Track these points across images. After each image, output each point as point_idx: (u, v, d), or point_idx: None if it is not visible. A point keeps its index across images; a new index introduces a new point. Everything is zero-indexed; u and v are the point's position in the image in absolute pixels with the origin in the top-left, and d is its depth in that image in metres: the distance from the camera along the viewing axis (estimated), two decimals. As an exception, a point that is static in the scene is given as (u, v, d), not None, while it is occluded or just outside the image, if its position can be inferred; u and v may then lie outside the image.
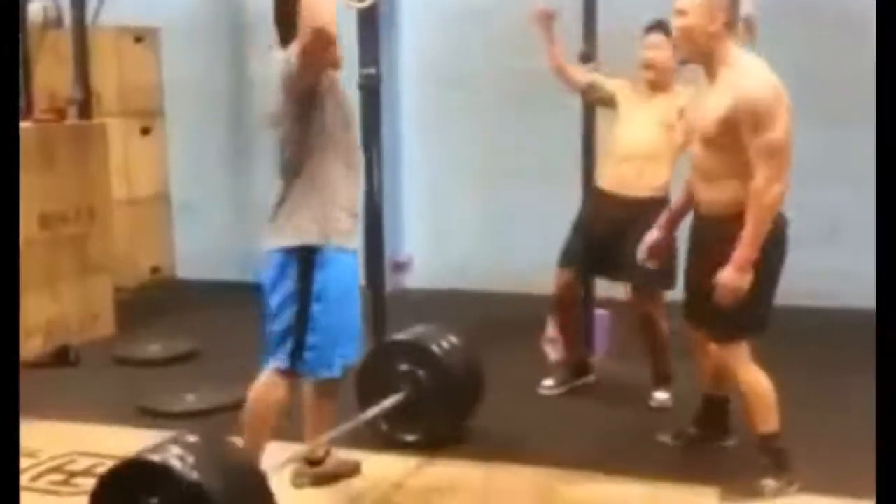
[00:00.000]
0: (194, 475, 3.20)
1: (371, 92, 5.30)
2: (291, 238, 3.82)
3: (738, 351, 4.03)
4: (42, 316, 6.25)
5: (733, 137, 3.82)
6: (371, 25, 5.31)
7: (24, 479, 4.30)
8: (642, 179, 4.90)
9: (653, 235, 4.34)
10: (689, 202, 4.20)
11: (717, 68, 3.91)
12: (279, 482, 3.81)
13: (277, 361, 3.87)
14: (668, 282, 4.84)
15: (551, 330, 5.68)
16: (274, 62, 3.80)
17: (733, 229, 3.85)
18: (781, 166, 3.81)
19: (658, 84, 4.96)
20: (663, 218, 4.37)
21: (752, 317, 3.98)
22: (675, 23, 3.97)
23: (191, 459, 3.27)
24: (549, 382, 5.29)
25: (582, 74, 5.27)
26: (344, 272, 3.84)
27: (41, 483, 4.30)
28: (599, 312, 5.84)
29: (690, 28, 3.90)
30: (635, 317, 5.06)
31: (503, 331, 6.29)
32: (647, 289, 4.93)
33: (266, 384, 3.92)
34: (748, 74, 3.85)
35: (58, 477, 4.35)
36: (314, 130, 3.76)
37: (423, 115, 7.66)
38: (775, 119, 3.78)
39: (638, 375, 5.23)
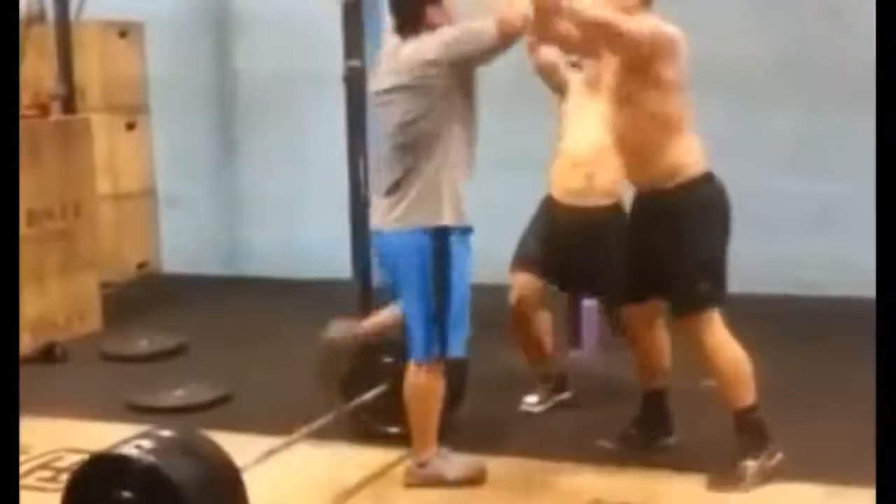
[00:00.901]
0: (165, 468, 3.22)
1: (356, 83, 5.30)
2: (425, 218, 3.93)
3: (709, 323, 4.01)
4: (29, 312, 6.22)
5: (643, 98, 3.89)
6: (355, 18, 5.32)
7: (12, 476, 4.30)
8: (592, 186, 4.69)
9: None
10: None
11: None
12: (259, 477, 3.81)
13: (427, 350, 3.99)
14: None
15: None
16: (406, 46, 3.98)
17: (676, 201, 3.96)
18: (657, 34, 3.85)
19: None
20: None
21: (717, 285, 4.02)
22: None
23: (162, 453, 3.30)
24: (532, 399, 5.01)
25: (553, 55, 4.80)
26: (468, 251, 4.00)
27: (29, 480, 4.29)
28: (587, 303, 5.83)
29: (604, 6, 3.91)
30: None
31: (492, 322, 6.27)
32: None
33: (420, 376, 4.04)
34: None
35: (46, 473, 4.34)
36: (455, 110, 3.93)
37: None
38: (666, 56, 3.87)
39: (626, 367, 5.23)
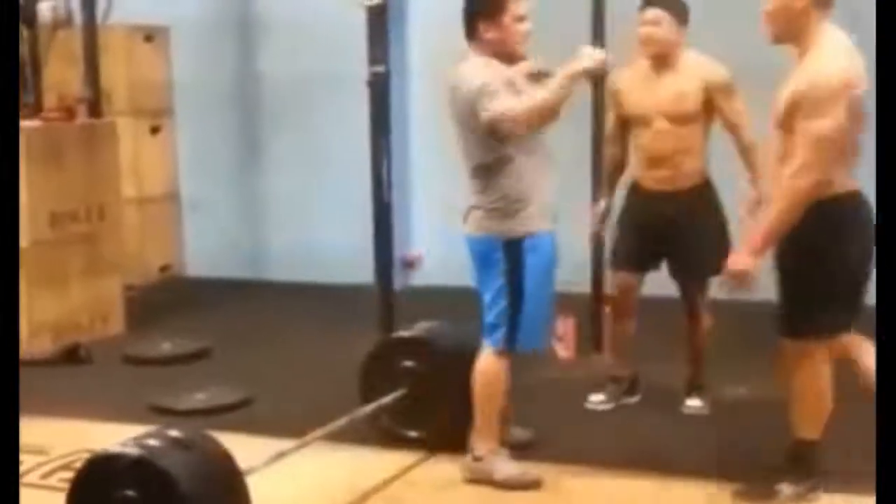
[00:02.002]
0: (167, 467, 3.24)
1: (380, 89, 5.31)
2: (499, 228, 4.05)
3: (810, 350, 3.81)
4: (52, 314, 6.26)
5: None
6: (380, 23, 5.33)
7: (33, 477, 4.32)
8: (677, 174, 4.71)
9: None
10: None
11: (807, 49, 3.74)
12: (275, 479, 3.83)
13: (495, 343, 4.12)
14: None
15: (560, 327, 5.68)
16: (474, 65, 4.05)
17: (819, 215, 3.66)
18: (823, 156, 3.61)
19: (664, 61, 4.70)
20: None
21: (821, 315, 3.75)
22: (764, 6, 3.82)
23: (166, 452, 3.33)
24: (598, 397, 4.98)
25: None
26: (544, 254, 4.11)
27: (51, 480, 4.31)
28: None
29: (775, 9, 3.78)
30: (688, 312, 4.89)
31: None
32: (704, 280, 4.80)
33: (487, 362, 4.15)
34: (821, 57, 3.70)
35: (67, 475, 4.31)
36: (503, 146, 4.01)
37: (433, 112, 7.65)
38: (828, 107, 3.60)
39: (650, 370, 5.21)
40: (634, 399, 5.06)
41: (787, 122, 3.71)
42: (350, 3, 5.69)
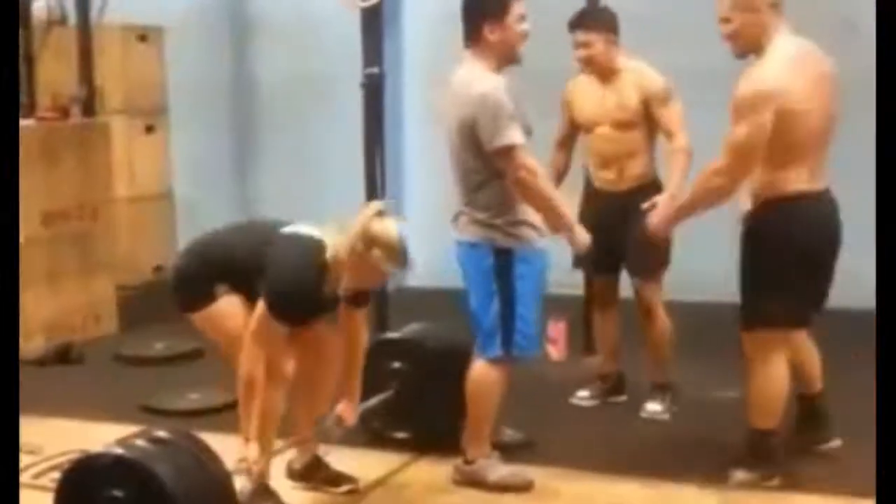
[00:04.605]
0: (154, 468, 3.26)
1: (374, 90, 5.33)
2: (491, 236, 4.05)
3: (761, 340, 3.95)
4: (45, 314, 6.26)
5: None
6: (374, 25, 5.34)
7: (26, 477, 4.31)
8: (623, 173, 4.87)
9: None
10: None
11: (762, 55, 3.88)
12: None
13: (492, 350, 4.07)
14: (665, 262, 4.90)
15: (552, 329, 5.68)
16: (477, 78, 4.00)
17: (775, 212, 3.90)
18: (736, 162, 3.78)
19: (604, 73, 4.84)
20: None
21: (772, 305, 3.90)
22: (723, 29, 3.93)
23: (152, 453, 3.35)
24: (584, 393, 5.13)
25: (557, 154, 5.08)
26: (535, 266, 4.09)
27: (43, 480, 4.30)
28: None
29: (737, 31, 3.88)
30: (640, 310, 4.94)
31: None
32: (647, 276, 4.91)
33: (481, 372, 4.13)
34: (761, 65, 3.83)
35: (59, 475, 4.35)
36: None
37: (426, 114, 7.66)
38: (747, 114, 3.74)
39: (641, 372, 5.22)
40: (621, 398, 5.11)
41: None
42: (345, 4, 5.70)
